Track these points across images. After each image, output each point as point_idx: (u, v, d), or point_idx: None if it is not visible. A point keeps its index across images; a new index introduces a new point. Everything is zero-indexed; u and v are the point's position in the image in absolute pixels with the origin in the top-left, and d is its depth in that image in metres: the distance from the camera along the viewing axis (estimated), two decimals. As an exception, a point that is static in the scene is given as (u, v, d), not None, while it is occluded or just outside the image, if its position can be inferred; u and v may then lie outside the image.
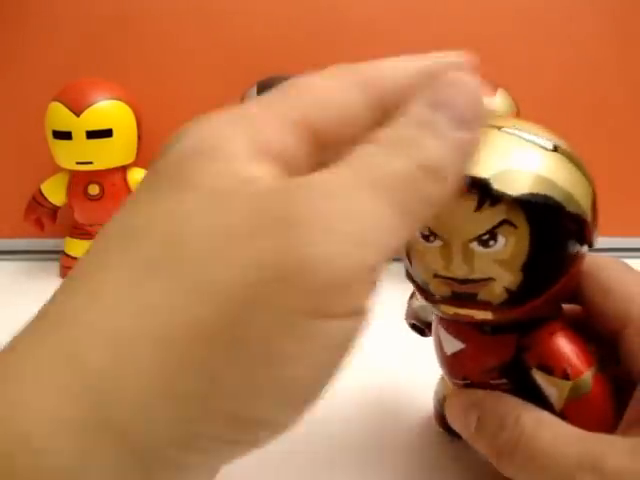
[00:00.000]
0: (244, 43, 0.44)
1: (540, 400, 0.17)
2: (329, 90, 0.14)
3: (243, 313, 0.10)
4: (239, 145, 0.12)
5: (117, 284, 0.11)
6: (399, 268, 0.43)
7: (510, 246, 0.16)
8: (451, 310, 0.18)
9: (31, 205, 0.42)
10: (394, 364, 0.29)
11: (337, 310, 0.11)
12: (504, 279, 0.17)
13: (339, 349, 0.11)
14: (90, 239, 0.42)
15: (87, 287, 0.11)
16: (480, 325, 0.18)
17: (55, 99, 0.38)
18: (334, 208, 0.11)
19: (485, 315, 0.17)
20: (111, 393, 0.10)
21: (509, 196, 0.15)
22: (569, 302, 0.19)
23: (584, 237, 0.17)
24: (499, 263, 0.16)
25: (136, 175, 0.42)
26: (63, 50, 0.44)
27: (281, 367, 0.10)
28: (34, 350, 0.10)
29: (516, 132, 0.17)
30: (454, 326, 0.19)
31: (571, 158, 0.17)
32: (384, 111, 0.14)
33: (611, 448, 0.15)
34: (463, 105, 0.14)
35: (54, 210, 0.42)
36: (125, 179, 0.41)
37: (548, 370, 0.17)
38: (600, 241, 0.52)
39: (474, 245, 0.16)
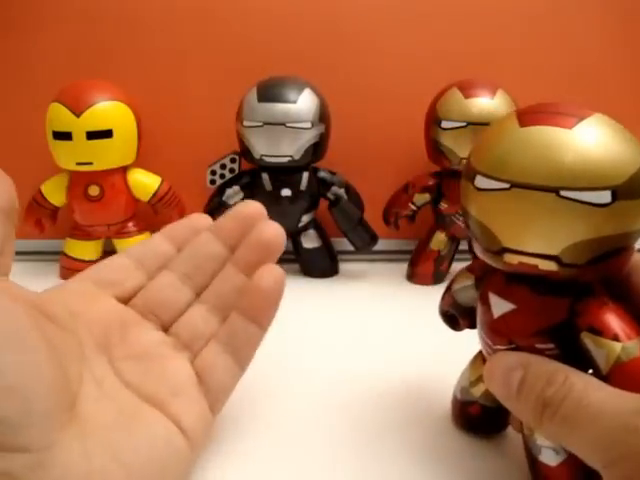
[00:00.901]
0: (244, 44, 0.44)
1: (586, 369, 0.18)
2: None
3: None
4: None
5: None
6: (400, 269, 0.43)
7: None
8: (515, 259, 0.18)
9: (31, 206, 0.42)
10: (392, 366, 0.30)
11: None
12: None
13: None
14: (90, 240, 0.42)
15: None
16: (536, 285, 0.19)
17: (55, 100, 0.38)
18: None
19: (550, 266, 0.18)
20: None
21: (580, 265, 0.17)
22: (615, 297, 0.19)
23: None
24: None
25: (136, 176, 0.42)
26: (63, 50, 0.44)
27: None
28: None
29: (573, 196, 0.17)
30: (507, 288, 0.20)
31: (632, 194, 0.17)
32: None
33: None
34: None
35: (54, 211, 0.42)
36: (125, 180, 0.41)
37: (598, 332, 0.18)
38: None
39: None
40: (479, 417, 0.24)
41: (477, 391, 0.23)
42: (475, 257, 0.21)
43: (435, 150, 0.39)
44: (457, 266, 0.43)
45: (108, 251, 0.43)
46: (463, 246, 0.43)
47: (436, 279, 0.42)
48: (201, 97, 0.45)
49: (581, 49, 0.46)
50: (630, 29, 0.46)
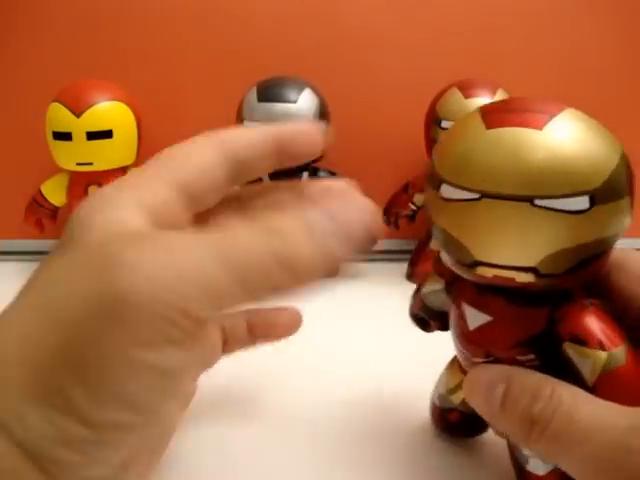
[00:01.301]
0: (244, 44, 0.44)
1: (570, 378, 0.17)
2: (190, 153, 0.18)
3: (86, 344, 0.13)
4: (121, 203, 0.16)
5: (11, 321, 0.14)
6: (400, 269, 0.43)
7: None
8: (490, 272, 0.17)
9: (31, 206, 0.42)
10: (392, 366, 0.29)
11: (153, 340, 0.14)
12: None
13: (161, 372, 0.14)
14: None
15: None
16: (512, 295, 0.18)
17: (55, 100, 0.38)
18: (163, 259, 0.14)
19: (527, 278, 0.16)
20: None
21: (559, 275, 0.16)
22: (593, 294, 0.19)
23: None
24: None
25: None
26: (63, 50, 0.44)
27: (116, 385, 0.14)
28: None
29: (548, 204, 0.16)
30: (481, 298, 0.19)
31: (613, 195, 0.16)
32: (239, 163, 0.18)
33: None
34: (353, 227, 0.16)
35: (54, 211, 0.42)
36: (125, 180, 0.41)
37: (582, 341, 0.17)
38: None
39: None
40: (459, 423, 0.23)
41: (456, 399, 0.23)
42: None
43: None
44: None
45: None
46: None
47: (436, 279, 0.42)
48: (201, 97, 0.45)
49: (581, 49, 0.46)
50: (630, 29, 0.46)
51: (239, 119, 0.39)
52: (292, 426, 0.25)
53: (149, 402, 0.15)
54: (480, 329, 0.19)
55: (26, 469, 0.13)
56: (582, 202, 0.16)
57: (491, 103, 0.18)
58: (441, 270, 0.22)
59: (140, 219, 0.16)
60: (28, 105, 0.44)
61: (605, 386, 0.16)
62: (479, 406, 0.18)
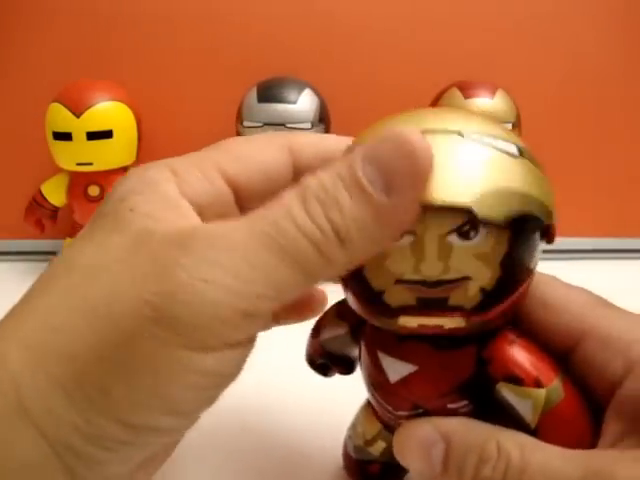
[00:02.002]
0: (244, 44, 0.44)
1: (506, 420, 0.15)
2: (251, 149, 0.17)
3: (132, 343, 0.13)
4: (166, 188, 0.15)
5: (46, 306, 0.14)
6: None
7: (492, 238, 0.14)
8: (414, 322, 0.15)
9: (31, 206, 0.42)
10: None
11: (210, 344, 0.13)
12: (482, 277, 0.15)
13: (215, 376, 0.14)
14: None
15: (25, 307, 0.14)
16: (436, 341, 0.16)
17: (55, 100, 0.38)
18: (217, 258, 0.13)
19: (457, 323, 0.15)
20: (28, 390, 0.13)
21: (499, 222, 0.14)
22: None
23: (549, 235, 0.16)
24: (479, 257, 0.14)
25: (136, 176, 0.42)
26: (63, 50, 0.44)
27: (161, 388, 0.13)
28: None
29: (480, 138, 0.15)
30: (402, 346, 0.17)
31: (532, 160, 0.15)
32: (304, 170, 0.16)
33: (617, 460, 0.13)
34: (397, 166, 0.13)
35: (54, 211, 0.42)
36: (125, 180, 0.41)
37: (518, 381, 0.15)
38: (600, 242, 0.52)
39: (452, 238, 0.14)
40: (379, 474, 0.21)
41: (376, 450, 0.20)
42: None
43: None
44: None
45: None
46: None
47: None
48: (201, 97, 0.45)
49: (581, 49, 0.46)
50: (630, 29, 0.46)
51: (239, 119, 0.39)
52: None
53: (193, 407, 0.14)
54: (404, 381, 0.17)
55: (50, 465, 0.13)
56: (512, 148, 0.15)
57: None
58: (343, 312, 0.20)
59: (184, 206, 0.15)
60: (28, 105, 0.44)
61: (549, 425, 0.15)
62: (416, 468, 0.16)
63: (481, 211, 0.14)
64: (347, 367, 0.21)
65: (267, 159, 0.17)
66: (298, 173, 0.17)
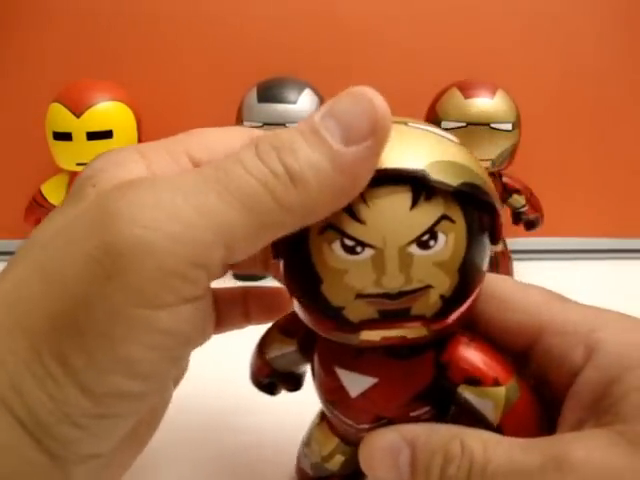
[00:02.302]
0: (244, 44, 0.44)
1: (468, 422, 0.16)
2: (220, 138, 0.17)
3: (84, 307, 0.12)
4: (132, 167, 0.15)
5: (10, 282, 0.13)
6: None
7: (450, 244, 0.15)
8: (377, 335, 0.15)
9: (31, 206, 0.42)
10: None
11: (161, 300, 0.12)
12: (442, 285, 0.15)
13: (174, 334, 0.13)
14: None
15: None
16: (394, 351, 0.16)
17: (55, 100, 0.38)
18: (159, 201, 0.12)
19: (419, 332, 0.15)
20: None
21: (448, 186, 0.14)
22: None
23: (495, 233, 0.16)
24: (439, 266, 0.15)
25: (136, 176, 0.42)
26: (63, 50, 0.44)
27: (119, 350, 0.12)
28: None
29: (423, 127, 0.16)
30: (359, 361, 0.17)
31: (471, 151, 0.16)
32: None
33: (572, 441, 0.13)
34: (356, 119, 0.14)
35: (54, 211, 0.42)
36: (125, 180, 0.41)
37: (477, 382, 0.16)
38: (600, 242, 0.52)
39: (413, 249, 0.14)
40: None
41: (334, 465, 0.20)
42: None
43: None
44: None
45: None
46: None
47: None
48: (201, 97, 0.45)
49: (581, 49, 0.46)
50: (630, 29, 0.46)
51: (239, 119, 0.39)
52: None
53: (156, 369, 0.13)
54: (365, 394, 0.17)
55: (26, 445, 0.12)
56: (452, 137, 0.16)
57: None
58: (289, 329, 0.19)
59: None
60: (28, 105, 0.44)
61: (511, 422, 0.16)
62: (384, 477, 0.16)
63: (435, 175, 0.14)
64: (295, 384, 0.21)
65: (234, 148, 0.16)
66: None
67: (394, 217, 0.14)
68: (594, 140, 0.47)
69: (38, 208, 0.42)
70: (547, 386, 0.16)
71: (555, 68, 0.46)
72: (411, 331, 0.15)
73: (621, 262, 0.48)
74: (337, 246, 0.15)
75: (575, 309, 0.16)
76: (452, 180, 0.14)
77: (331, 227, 0.15)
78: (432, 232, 0.14)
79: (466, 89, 0.38)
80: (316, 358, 0.18)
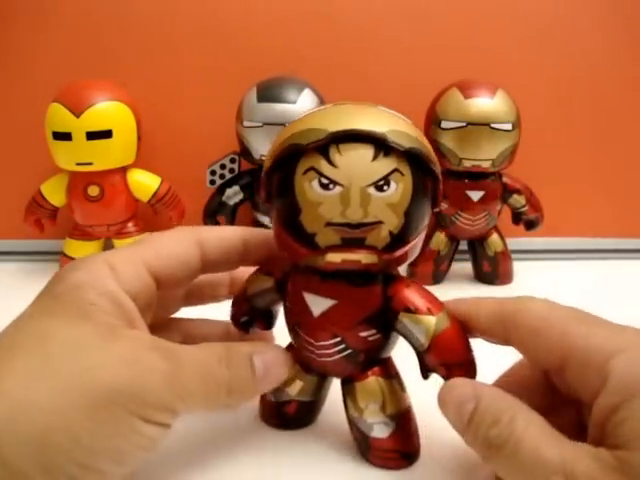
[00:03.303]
0: (244, 44, 0.44)
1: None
2: (170, 245, 0.22)
3: (100, 411, 0.17)
4: (109, 283, 0.20)
5: (24, 369, 0.17)
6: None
7: (399, 191, 0.19)
8: (338, 257, 0.20)
9: (31, 206, 0.42)
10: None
11: (157, 419, 0.18)
12: (391, 222, 0.19)
13: (155, 441, 0.19)
14: (90, 240, 0.42)
15: (2, 363, 0.17)
16: (351, 279, 0.21)
17: (55, 100, 0.38)
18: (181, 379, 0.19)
19: (371, 259, 0.20)
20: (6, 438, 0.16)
21: (402, 147, 0.19)
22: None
23: (436, 198, 0.21)
24: (389, 206, 0.19)
25: (136, 176, 0.42)
26: (63, 50, 0.44)
27: (119, 444, 0.17)
28: None
29: (389, 111, 0.20)
30: (324, 285, 0.21)
31: (422, 134, 0.21)
32: (211, 261, 0.23)
33: (580, 458, 0.16)
34: (273, 372, 0.22)
35: (54, 211, 0.42)
36: (125, 180, 0.41)
37: (414, 311, 0.20)
38: (600, 242, 0.52)
39: (371, 190, 0.19)
40: (295, 415, 0.24)
41: (293, 389, 0.24)
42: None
43: (435, 150, 0.39)
44: (456, 266, 0.43)
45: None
46: (463, 246, 0.43)
47: (436, 279, 0.42)
48: (201, 97, 0.45)
49: (581, 49, 0.46)
50: (630, 29, 0.46)
51: (239, 119, 0.39)
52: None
53: (136, 461, 0.19)
54: (326, 314, 0.21)
55: None
56: (409, 120, 0.21)
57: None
58: (269, 269, 0.24)
59: (126, 300, 0.20)
60: (28, 105, 0.44)
61: (438, 346, 0.20)
62: (450, 418, 0.19)
63: (392, 138, 0.19)
64: (268, 322, 0.25)
65: (181, 253, 0.22)
66: (205, 262, 0.23)
67: (359, 165, 0.19)
68: (594, 140, 0.47)
69: (37, 208, 0.42)
70: (579, 402, 0.18)
71: (555, 68, 0.46)
72: (365, 257, 0.20)
73: (621, 262, 0.48)
74: (315, 183, 0.19)
75: (596, 334, 0.18)
76: (405, 143, 0.19)
77: (312, 169, 0.19)
78: (386, 179, 0.19)
79: (466, 89, 0.38)
80: (289, 288, 0.22)
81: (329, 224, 0.19)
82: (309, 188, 0.19)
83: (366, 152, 0.19)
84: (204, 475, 0.22)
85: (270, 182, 0.21)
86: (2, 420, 0.15)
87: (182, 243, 0.22)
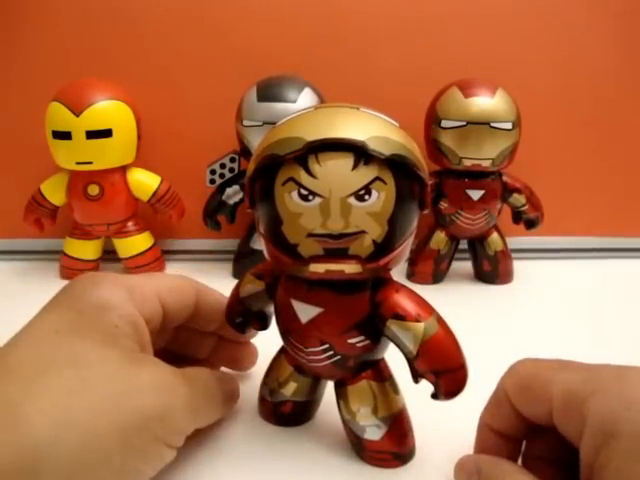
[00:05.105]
0: (244, 44, 0.44)
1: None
2: (177, 284, 0.24)
3: (133, 433, 0.18)
4: (128, 307, 0.21)
5: (61, 387, 0.17)
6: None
7: (381, 200, 0.19)
8: (322, 268, 0.19)
9: (31, 205, 0.42)
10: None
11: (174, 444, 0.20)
12: (374, 231, 0.19)
13: (164, 462, 0.20)
14: (90, 239, 0.42)
15: (38, 379, 0.17)
16: (338, 287, 0.20)
17: (55, 99, 0.38)
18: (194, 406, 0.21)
19: (355, 268, 0.19)
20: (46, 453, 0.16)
21: (382, 155, 0.18)
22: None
23: (424, 201, 0.20)
24: (371, 216, 0.19)
25: (136, 175, 0.42)
26: (63, 50, 0.44)
27: (142, 465, 0.19)
28: None
29: (370, 112, 0.20)
30: (311, 293, 0.21)
31: (408, 135, 0.20)
32: (200, 306, 0.25)
33: None
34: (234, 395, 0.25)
35: (54, 210, 0.42)
36: (125, 179, 0.41)
37: (402, 317, 0.20)
38: (600, 242, 0.52)
39: (351, 200, 0.18)
40: (291, 413, 0.25)
41: (288, 390, 0.24)
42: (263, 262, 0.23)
43: (435, 149, 0.39)
44: (456, 265, 0.43)
45: (108, 250, 0.43)
46: (463, 245, 0.43)
47: (436, 278, 0.42)
48: (201, 97, 0.45)
49: (581, 49, 0.46)
50: (630, 29, 0.46)
51: (239, 119, 0.39)
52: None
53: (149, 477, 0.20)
54: (313, 321, 0.21)
55: None
56: (394, 122, 0.20)
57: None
58: (260, 274, 0.24)
59: (142, 325, 0.21)
60: (28, 105, 0.44)
61: (426, 352, 0.20)
62: None
63: (372, 146, 0.18)
64: (262, 323, 0.25)
65: (186, 293, 0.24)
66: (196, 307, 0.25)
67: (339, 175, 0.18)
68: (594, 139, 0.47)
69: (37, 207, 0.42)
70: (571, 444, 0.19)
71: (555, 68, 0.46)
72: (349, 267, 0.19)
73: (621, 262, 0.48)
74: (295, 194, 0.19)
75: (573, 378, 0.18)
76: (386, 151, 0.18)
77: (291, 179, 0.19)
78: (367, 189, 0.18)
79: (466, 88, 0.38)
80: (278, 295, 0.22)
81: (310, 235, 0.19)
82: (289, 199, 0.19)
83: (346, 161, 0.18)
84: (203, 474, 0.22)
85: (253, 189, 0.20)
86: (44, 440, 0.16)
87: (188, 286, 0.24)
